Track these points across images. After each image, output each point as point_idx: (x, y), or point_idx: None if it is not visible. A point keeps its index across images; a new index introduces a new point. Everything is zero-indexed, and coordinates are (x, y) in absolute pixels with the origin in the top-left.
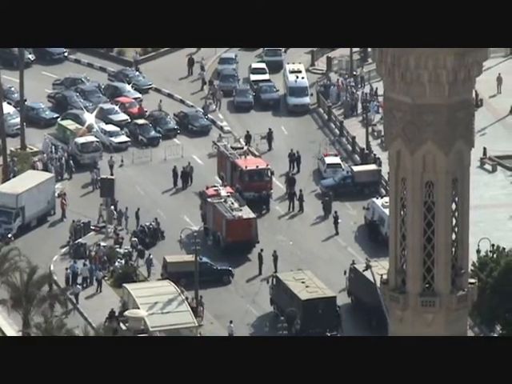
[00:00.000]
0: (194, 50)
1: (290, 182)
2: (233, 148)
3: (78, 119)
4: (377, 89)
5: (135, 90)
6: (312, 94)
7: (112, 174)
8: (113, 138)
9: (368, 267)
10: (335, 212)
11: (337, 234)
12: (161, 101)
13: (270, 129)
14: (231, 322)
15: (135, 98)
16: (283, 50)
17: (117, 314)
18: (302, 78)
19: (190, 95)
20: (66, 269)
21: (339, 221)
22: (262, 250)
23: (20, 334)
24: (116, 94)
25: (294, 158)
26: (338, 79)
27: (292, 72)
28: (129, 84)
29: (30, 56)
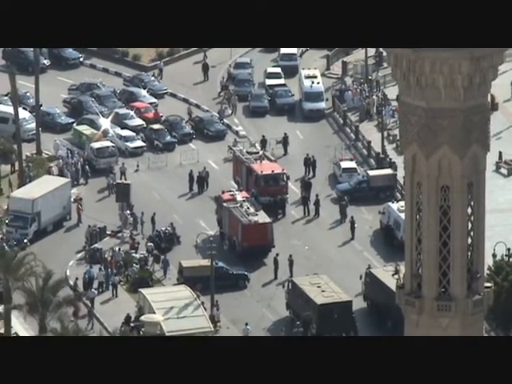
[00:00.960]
0: (209, 55)
1: (306, 186)
2: (248, 153)
3: (93, 124)
4: (385, 95)
5: (151, 94)
6: (327, 99)
7: (125, 179)
8: (128, 143)
9: (397, 272)
10: (351, 217)
11: (353, 238)
12: (190, 104)
13: (285, 133)
14: (247, 324)
15: (151, 103)
16: (298, 54)
17: (133, 318)
18: (318, 83)
19: (205, 100)
20: (84, 273)
21: (355, 225)
22: (277, 255)
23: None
24: (131, 99)
25: (310, 163)
26: (352, 83)
27: (307, 77)
28: (144, 89)
29: (45, 61)
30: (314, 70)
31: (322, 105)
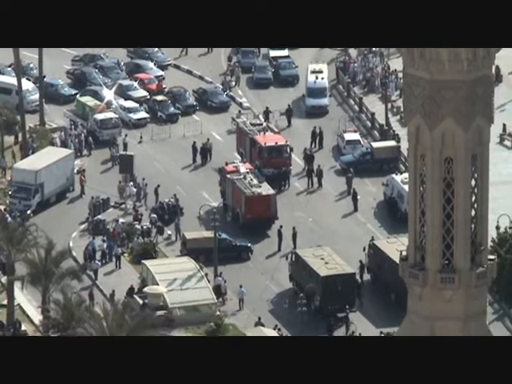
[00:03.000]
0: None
1: (308, 158)
2: (252, 124)
3: (96, 96)
4: (389, 66)
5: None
6: (331, 96)
7: (126, 151)
8: (132, 115)
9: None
10: (353, 189)
11: (356, 210)
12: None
13: (289, 105)
14: (241, 286)
15: (157, 76)
16: None
17: (136, 290)
18: (322, 78)
19: (209, 72)
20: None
21: (358, 197)
22: (281, 227)
23: (39, 311)
24: (138, 71)
25: (317, 135)
26: (356, 56)
27: (313, 72)
28: (152, 61)
29: None
30: (321, 64)
31: (325, 101)
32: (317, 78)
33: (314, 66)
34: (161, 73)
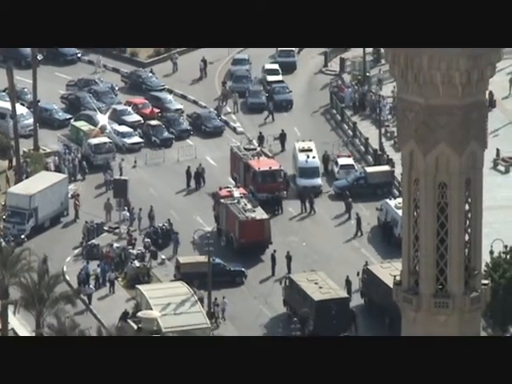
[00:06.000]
0: (207, 51)
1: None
2: (246, 149)
3: (91, 120)
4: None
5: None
6: (328, 180)
7: (121, 175)
8: (126, 139)
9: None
10: (357, 213)
11: (361, 234)
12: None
13: (282, 130)
14: (224, 297)
15: (177, 109)
16: (296, 51)
17: (130, 314)
18: (314, 157)
19: (203, 97)
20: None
21: (361, 222)
22: (274, 251)
23: (33, 335)
24: (158, 106)
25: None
26: (350, 81)
27: (302, 151)
28: (170, 93)
29: (38, 56)
30: (308, 142)
31: (319, 181)
32: (308, 157)
33: (302, 145)
34: (180, 106)
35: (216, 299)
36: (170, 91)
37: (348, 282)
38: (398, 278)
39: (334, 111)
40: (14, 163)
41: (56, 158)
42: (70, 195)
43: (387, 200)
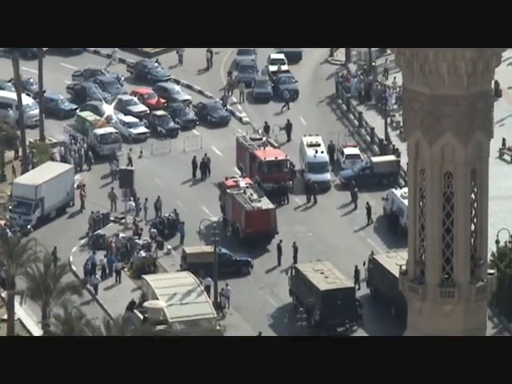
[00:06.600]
0: None
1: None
2: (252, 139)
3: (96, 110)
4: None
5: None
6: (333, 171)
7: (131, 166)
8: (132, 129)
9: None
10: (367, 202)
11: (371, 223)
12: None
13: (288, 120)
14: (227, 284)
15: (185, 100)
16: None
17: (136, 305)
18: (322, 152)
19: (209, 87)
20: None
21: (372, 212)
22: (281, 241)
23: (39, 325)
24: (165, 96)
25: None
26: (356, 71)
27: (310, 145)
28: (178, 84)
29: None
30: (315, 137)
31: (328, 176)
32: (316, 151)
33: (310, 139)
34: (188, 97)
35: (222, 289)
36: (177, 82)
37: (356, 272)
38: (403, 267)
39: (340, 101)
40: (20, 154)
41: (62, 148)
42: (75, 185)
43: (393, 190)
